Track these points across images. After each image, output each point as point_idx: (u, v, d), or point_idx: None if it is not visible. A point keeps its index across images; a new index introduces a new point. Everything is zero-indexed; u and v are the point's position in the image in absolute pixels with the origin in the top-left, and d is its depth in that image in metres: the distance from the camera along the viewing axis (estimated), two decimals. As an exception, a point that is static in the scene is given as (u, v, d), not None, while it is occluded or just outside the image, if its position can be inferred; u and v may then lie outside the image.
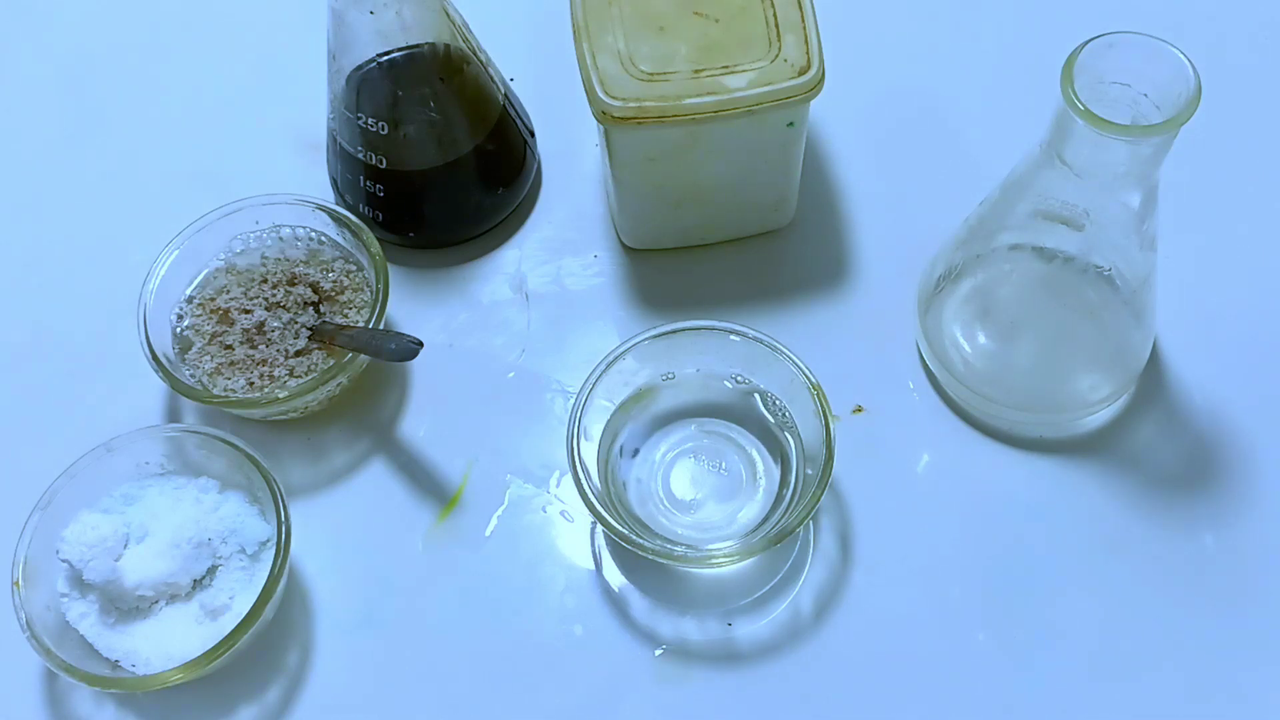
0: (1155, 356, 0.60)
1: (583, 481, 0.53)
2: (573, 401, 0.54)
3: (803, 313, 0.62)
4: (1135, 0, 0.65)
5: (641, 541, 0.52)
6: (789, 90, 0.54)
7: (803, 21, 0.55)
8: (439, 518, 0.57)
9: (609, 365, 0.55)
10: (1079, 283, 0.55)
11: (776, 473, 0.57)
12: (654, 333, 0.55)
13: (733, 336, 0.55)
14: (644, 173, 0.58)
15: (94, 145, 0.70)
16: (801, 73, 0.54)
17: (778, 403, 0.56)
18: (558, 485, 0.58)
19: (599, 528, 0.56)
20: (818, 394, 0.54)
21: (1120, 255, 0.53)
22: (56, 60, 0.73)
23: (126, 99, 0.72)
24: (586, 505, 0.52)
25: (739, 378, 0.57)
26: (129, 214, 0.67)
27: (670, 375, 0.57)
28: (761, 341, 0.55)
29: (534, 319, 0.63)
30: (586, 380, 0.55)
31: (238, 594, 0.54)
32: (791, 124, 0.56)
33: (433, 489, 0.58)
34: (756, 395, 0.57)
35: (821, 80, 0.54)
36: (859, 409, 0.59)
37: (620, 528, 0.52)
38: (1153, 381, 0.60)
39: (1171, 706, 0.53)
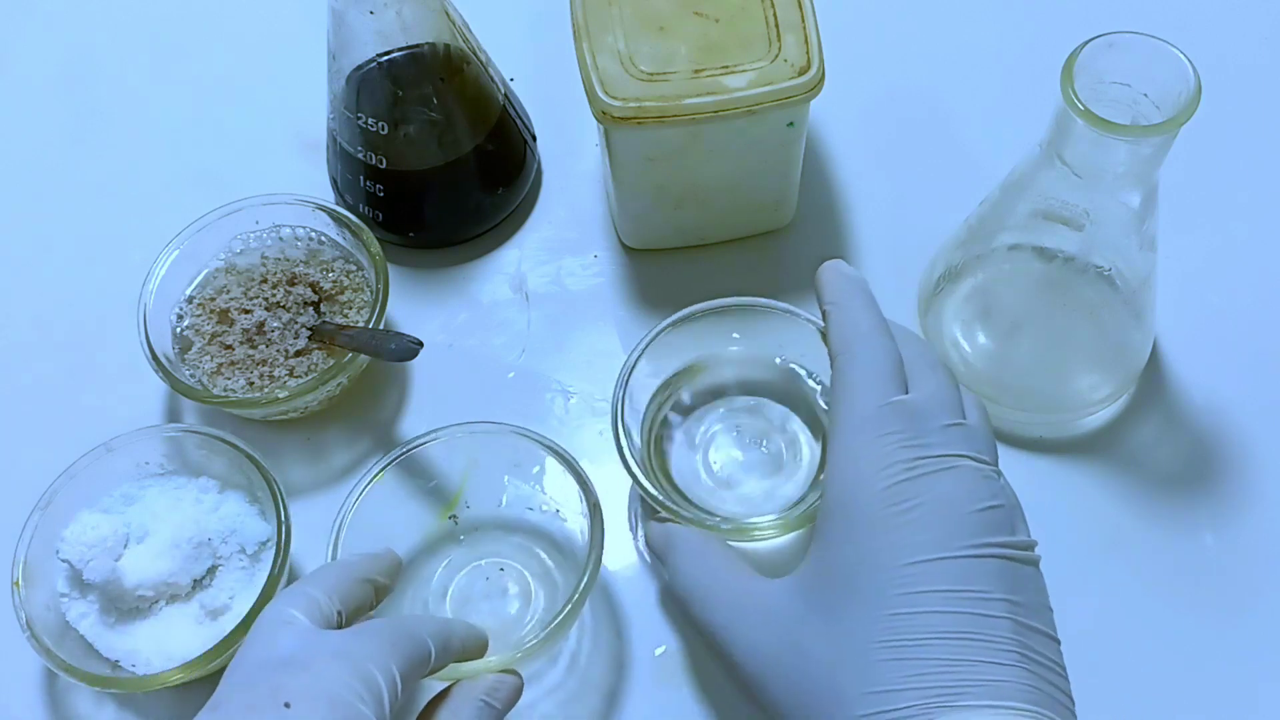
0: (1155, 356, 0.60)
1: (625, 450, 0.53)
2: (619, 371, 0.54)
3: (803, 313, 0.62)
4: (1135, 0, 0.65)
5: (680, 510, 0.52)
6: (789, 90, 0.54)
7: (803, 21, 0.55)
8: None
9: (655, 338, 0.55)
10: (1079, 283, 0.55)
11: (818, 451, 0.57)
12: (703, 307, 0.55)
13: (781, 314, 0.55)
14: (644, 173, 0.58)
15: (94, 145, 0.70)
16: (801, 73, 0.54)
17: (822, 382, 0.56)
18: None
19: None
20: None
21: (1120, 255, 0.53)
22: (56, 60, 0.73)
23: (127, 99, 0.72)
24: (628, 473, 0.52)
25: (784, 356, 0.57)
26: (129, 214, 0.67)
27: (716, 351, 0.57)
28: (809, 321, 0.55)
29: (534, 319, 0.63)
30: (634, 350, 0.55)
31: (238, 594, 0.54)
32: (791, 124, 0.57)
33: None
34: (801, 373, 0.57)
35: (821, 80, 0.54)
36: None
37: (660, 496, 0.52)
38: (1153, 381, 0.60)
39: (1171, 706, 0.53)
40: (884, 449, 0.43)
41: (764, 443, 0.57)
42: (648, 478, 0.52)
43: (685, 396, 0.58)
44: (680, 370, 0.57)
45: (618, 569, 0.56)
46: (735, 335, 0.57)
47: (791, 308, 0.55)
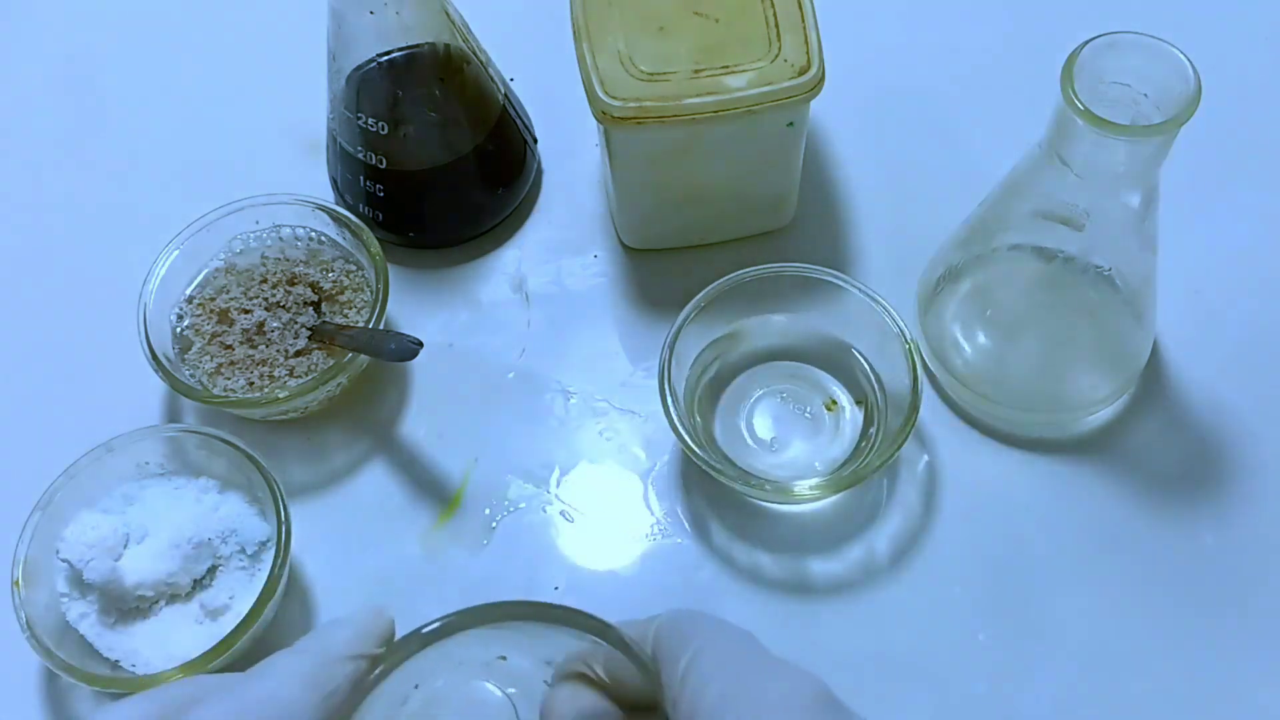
0: (1155, 356, 0.60)
1: (671, 411, 0.53)
2: (667, 334, 0.55)
3: (803, 313, 0.62)
4: (1135, 0, 0.65)
5: (723, 471, 0.53)
6: (789, 90, 0.54)
7: (803, 21, 0.55)
8: (440, 518, 0.57)
9: (707, 302, 0.56)
10: (1079, 283, 0.55)
11: (860, 419, 0.57)
12: (750, 273, 0.56)
13: (826, 282, 0.56)
14: (644, 173, 0.58)
15: (94, 145, 0.70)
16: (801, 73, 0.54)
17: (867, 350, 0.57)
18: (558, 485, 0.58)
19: (601, 530, 0.56)
20: (912, 347, 0.54)
21: (1120, 255, 0.53)
22: (56, 60, 0.73)
23: (127, 99, 0.72)
24: (675, 434, 0.53)
25: (830, 323, 0.58)
26: (129, 214, 0.67)
27: (761, 316, 0.58)
28: (859, 290, 0.56)
29: (534, 319, 0.63)
30: (682, 314, 0.55)
31: (238, 594, 0.54)
32: (791, 124, 0.57)
33: (433, 489, 0.58)
34: (847, 341, 0.58)
35: (821, 80, 0.54)
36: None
37: (705, 455, 0.53)
38: (1153, 381, 0.60)
39: (1171, 706, 0.53)
40: None
41: (807, 407, 0.58)
42: (692, 439, 0.53)
43: (729, 360, 0.59)
44: (725, 335, 0.58)
45: (618, 569, 0.56)
46: (779, 301, 0.58)
47: (838, 275, 0.56)
